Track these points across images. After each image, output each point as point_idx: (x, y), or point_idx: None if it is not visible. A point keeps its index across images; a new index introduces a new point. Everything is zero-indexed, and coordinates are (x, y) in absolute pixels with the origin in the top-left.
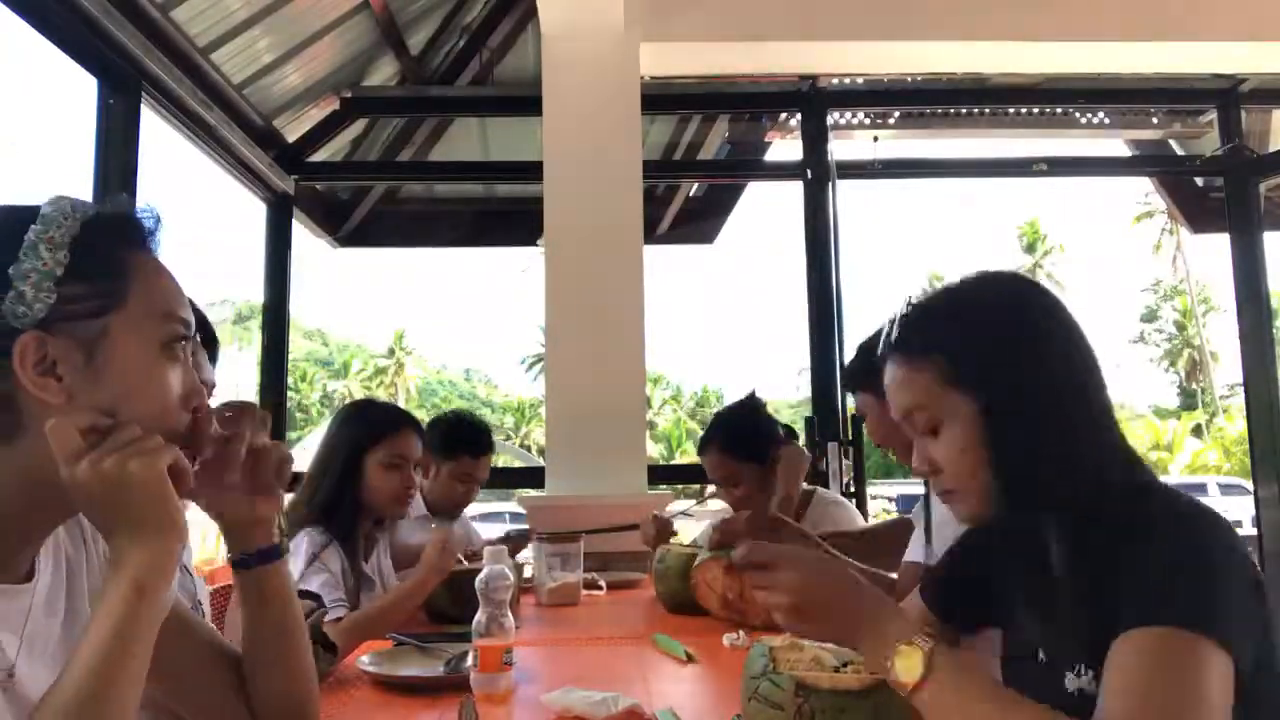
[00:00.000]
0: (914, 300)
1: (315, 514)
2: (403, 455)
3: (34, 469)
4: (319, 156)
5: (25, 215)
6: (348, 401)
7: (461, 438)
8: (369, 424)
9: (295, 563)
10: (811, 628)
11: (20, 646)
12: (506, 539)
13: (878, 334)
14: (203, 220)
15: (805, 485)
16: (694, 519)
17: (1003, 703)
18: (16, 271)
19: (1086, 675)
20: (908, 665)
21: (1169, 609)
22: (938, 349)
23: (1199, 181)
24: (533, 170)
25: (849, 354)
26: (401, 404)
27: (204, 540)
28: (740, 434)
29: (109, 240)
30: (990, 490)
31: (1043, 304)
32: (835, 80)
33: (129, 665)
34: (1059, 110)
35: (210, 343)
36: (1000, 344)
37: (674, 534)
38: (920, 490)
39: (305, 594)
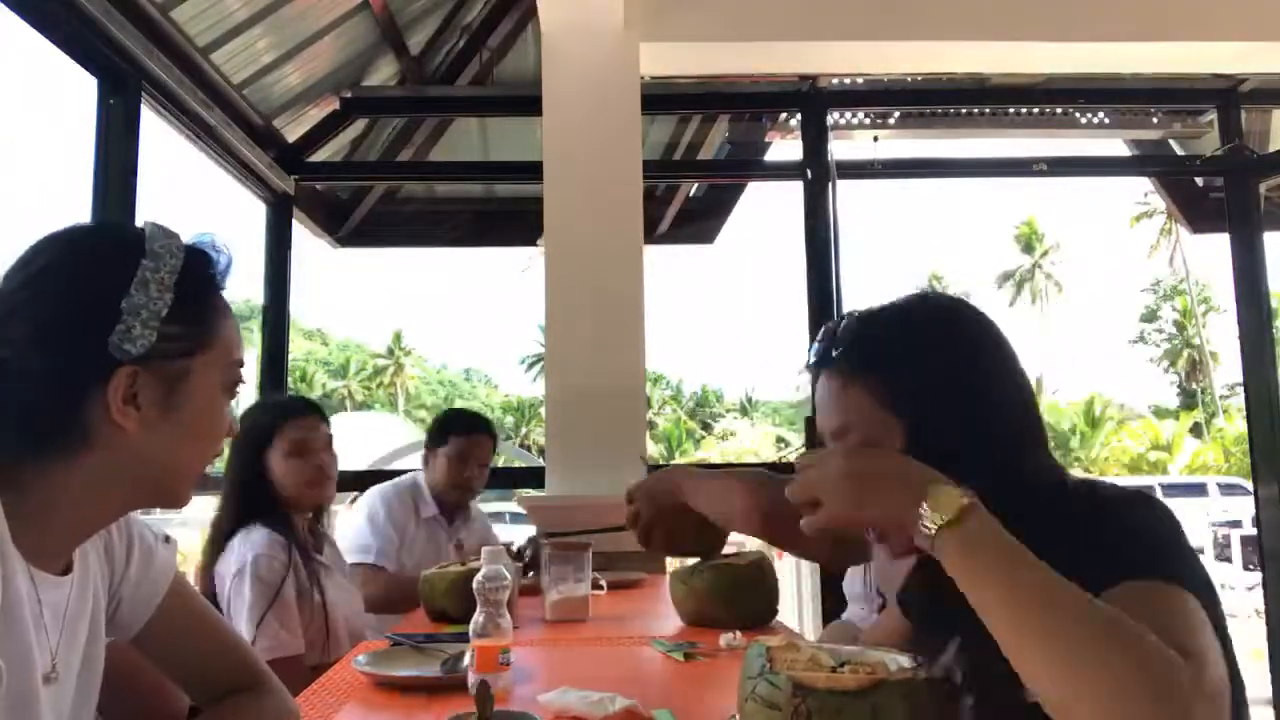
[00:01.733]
0: (853, 315)
1: (237, 518)
2: (301, 440)
3: (95, 482)
4: (319, 156)
5: (133, 244)
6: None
7: (452, 419)
8: (258, 423)
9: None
10: (849, 504)
11: (62, 635)
12: (527, 548)
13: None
14: (203, 220)
15: None
16: None
17: (1041, 568)
18: (129, 305)
19: None
20: (947, 498)
21: (1165, 564)
22: (875, 370)
23: (1199, 181)
24: (533, 170)
25: None
26: (400, 404)
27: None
28: None
29: (204, 285)
30: None
31: (971, 325)
32: (835, 80)
33: None
34: (1059, 110)
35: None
36: (930, 369)
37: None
38: None
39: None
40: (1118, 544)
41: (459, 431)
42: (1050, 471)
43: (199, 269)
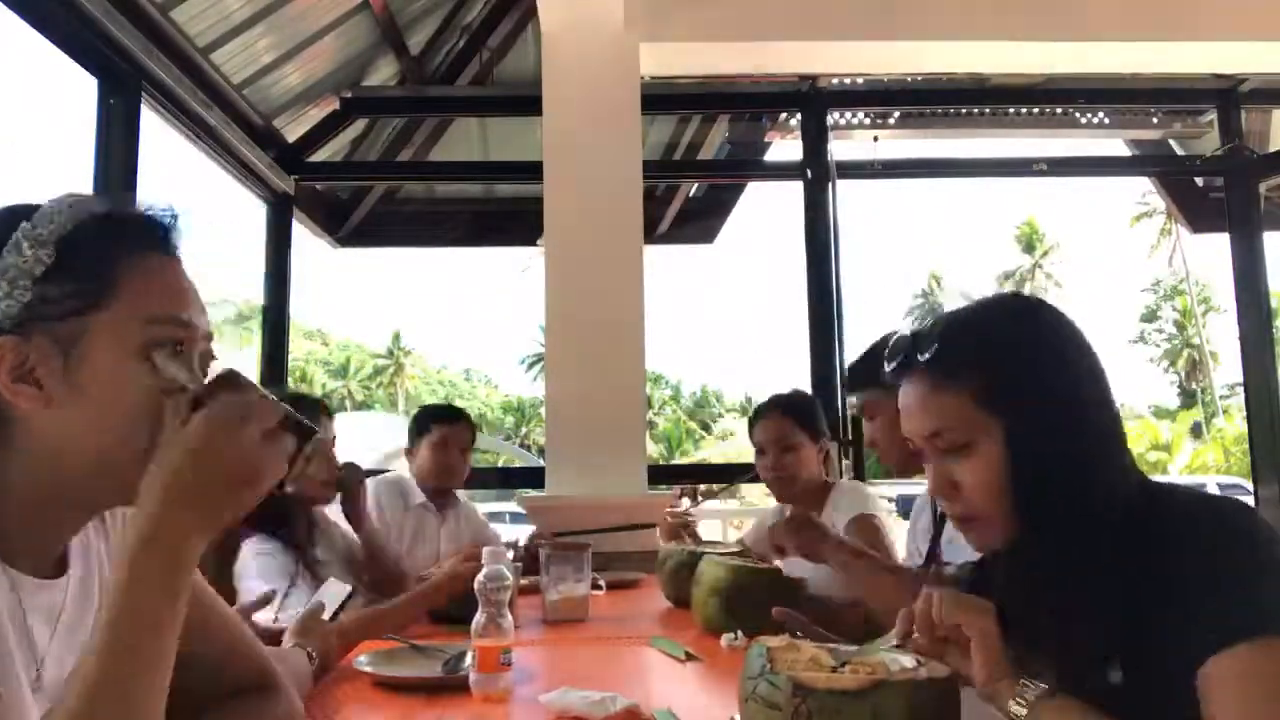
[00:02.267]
0: (937, 318)
1: (246, 524)
2: (327, 439)
3: (31, 474)
4: (319, 156)
5: (23, 213)
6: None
7: (430, 411)
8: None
9: (245, 582)
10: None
11: (52, 640)
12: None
13: (887, 338)
14: (203, 220)
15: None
16: (695, 519)
17: None
18: (15, 264)
19: (1116, 672)
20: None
21: (1252, 620)
22: (971, 371)
23: (1199, 181)
24: (533, 170)
25: (849, 354)
26: (400, 405)
27: None
28: (803, 406)
29: (101, 239)
30: (1009, 517)
31: (1059, 325)
32: (835, 80)
33: (159, 638)
34: (1059, 110)
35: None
36: (1028, 367)
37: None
38: (918, 489)
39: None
40: (1216, 588)
41: (440, 420)
42: (1132, 473)
43: (102, 226)
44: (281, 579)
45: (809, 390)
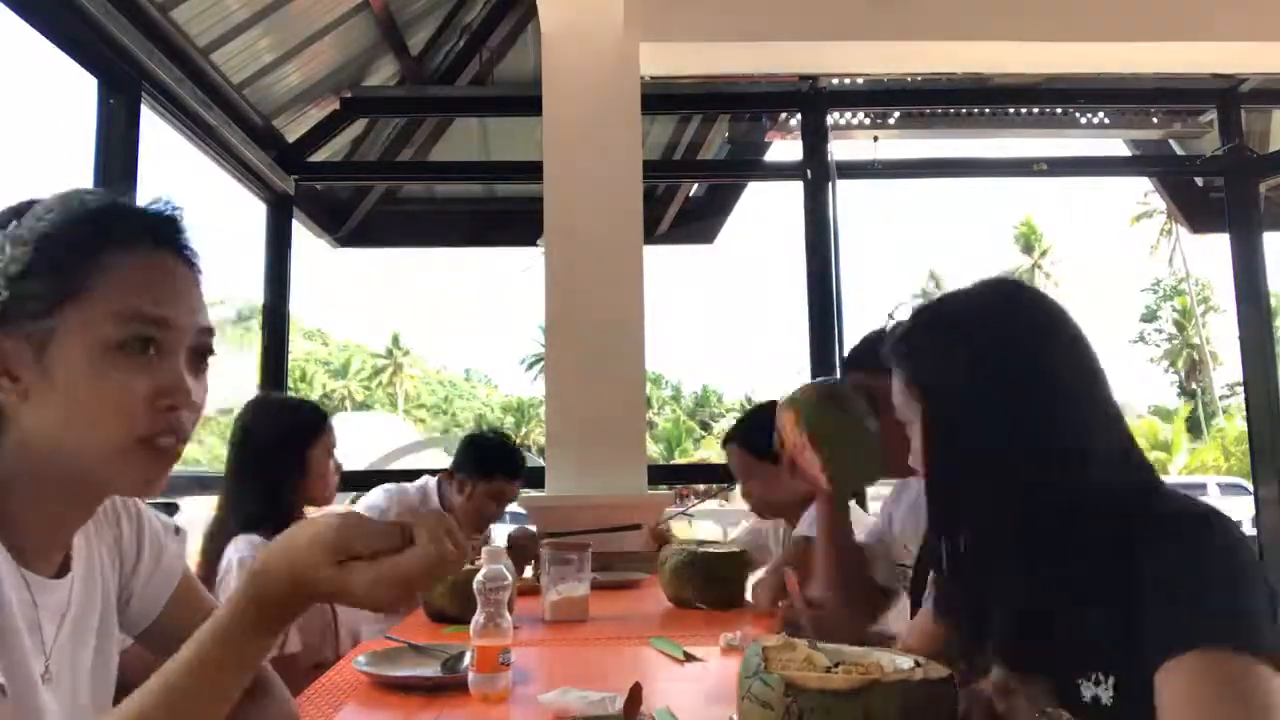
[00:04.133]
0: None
1: (244, 521)
2: (334, 444)
3: (17, 472)
4: (319, 156)
5: (23, 209)
6: (253, 401)
7: (500, 458)
8: (304, 420)
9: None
10: None
11: (57, 639)
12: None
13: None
14: (203, 220)
15: None
16: (693, 519)
17: None
18: (11, 258)
19: (1106, 684)
20: None
21: (1211, 629)
22: (907, 355)
23: (1199, 181)
24: (533, 170)
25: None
26: (400, 405)
27: None
28: (750, 433)
29: (80, 235)
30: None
31: (1033, 307)
32: (835, 80)
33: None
34: (1059, 110)
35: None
36: (959, 358)
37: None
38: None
39: None
40: (1191, 595)
41: (505, 474)
42: (1122, 471)
43: (82, 222)
44: None
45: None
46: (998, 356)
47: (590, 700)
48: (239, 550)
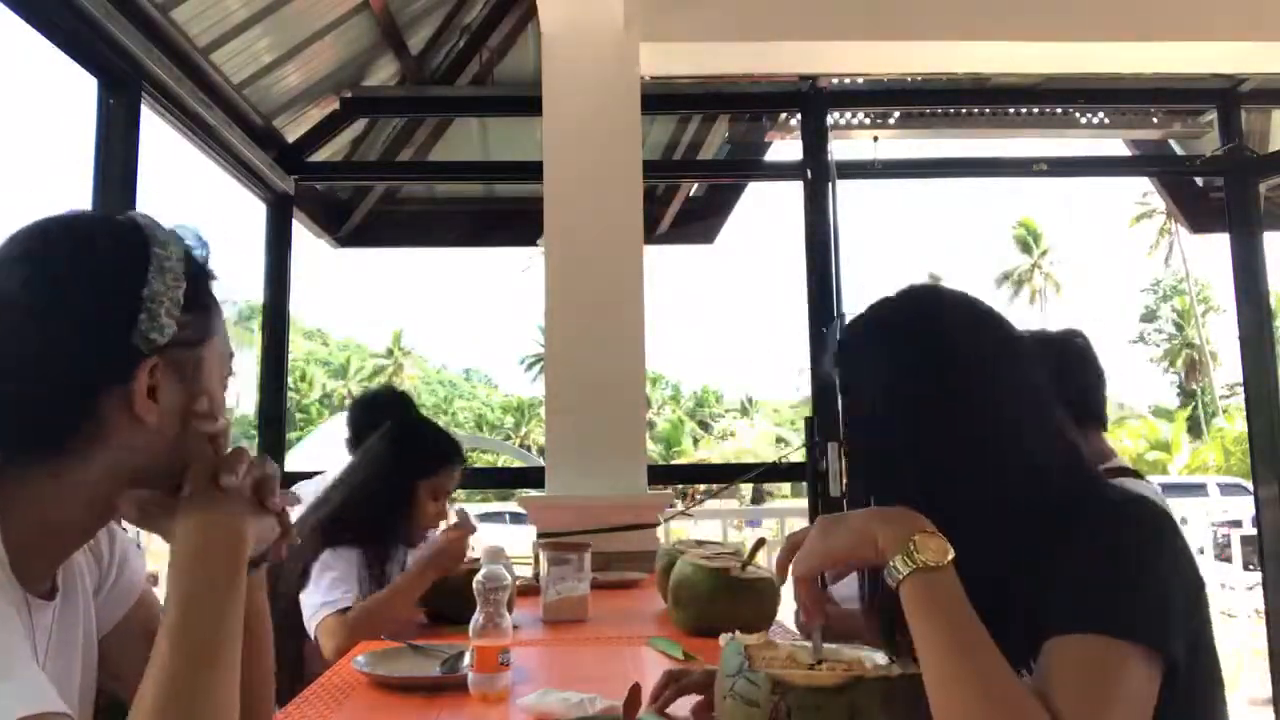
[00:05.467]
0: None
1: (355, 533)
2: (448, 488)
3: (101, 483)
4: (319, 156)
5: (135, 231)
6: (399, 423)
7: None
8: (429, 454)
9: (323, 576)
10: (829, 540)
11: (45, 658)
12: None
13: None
14: (203, 220)
15: None
16: (694, 519)
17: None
18: (150, 294)
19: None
20: (938, 545)
21: (1094, 615)
22: (840, 361)
23: (1199, 181)
24: (533, 170)
25: None
26: None
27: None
28: None
29: (204, 273)
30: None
31: (954, 307)
32: (835, 80)
33: (212, 631)
34: (1059, 110)
35: None
36: (859, 364)
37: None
38: None
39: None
40: (1080, 582)
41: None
42: (1047, 458)
43: (200, 260)
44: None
45: (811, 389)
46: (913, 354)
47: (570, 702)
48: (342, 562)
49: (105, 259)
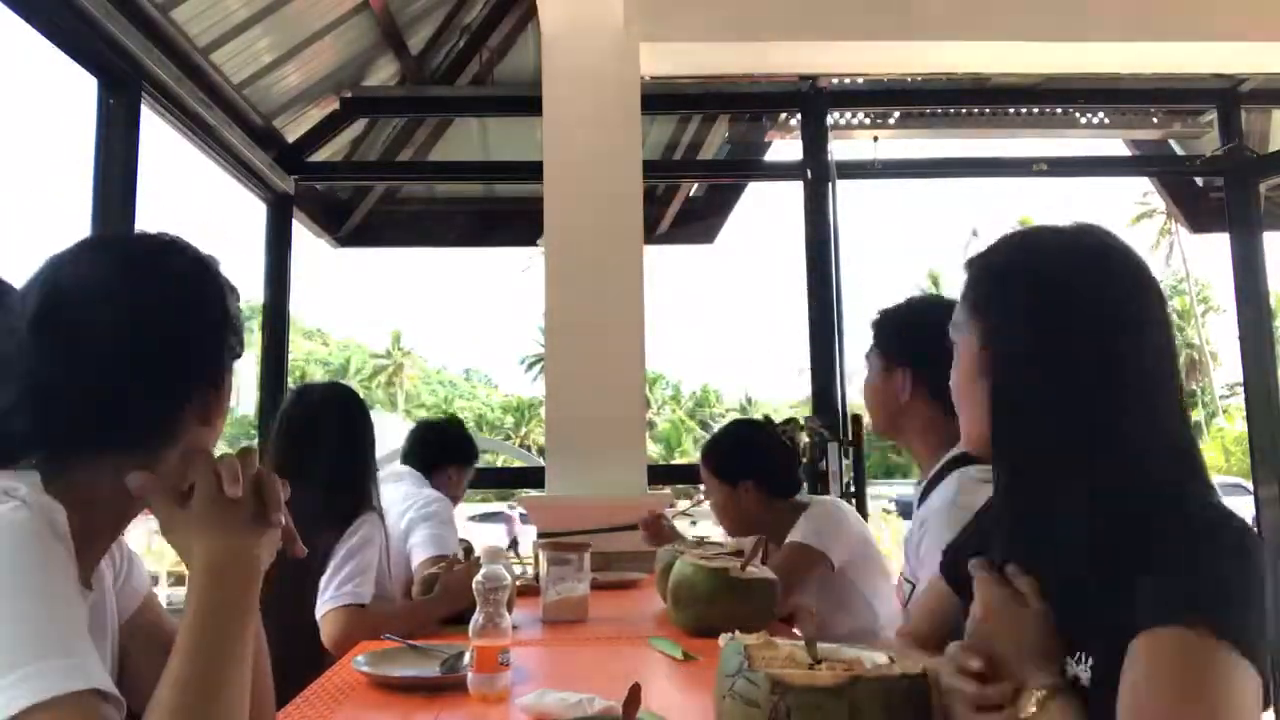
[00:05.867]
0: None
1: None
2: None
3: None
4: (319, 156)
5: (197, 253)
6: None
7: (470, 442)
8: (464, 452)
9: (345, 564)
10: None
11: None
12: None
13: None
14: (203, 220)
15: (803, 498)
16: (694, 520)
17: None
18: (234, 310)
19: (1085, 664)
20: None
21: (1198, 610)
22: (980, 286)
23: (1199, 181)
24: (533, 170)
25: (849, 354)
26: (400, 404)
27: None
28: (714, 454)
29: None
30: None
31: (1123, 274)
32: (835, 80)
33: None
34: (1059, 110)
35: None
36: (1031, 297)
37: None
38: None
39: None
40: (1186, 578)
41: (475, 454)
42: (1160, 442)
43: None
44: None
45: (811, 389)
46: (1070, 317)
47: (569, 702)
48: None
49: (208, 277)
